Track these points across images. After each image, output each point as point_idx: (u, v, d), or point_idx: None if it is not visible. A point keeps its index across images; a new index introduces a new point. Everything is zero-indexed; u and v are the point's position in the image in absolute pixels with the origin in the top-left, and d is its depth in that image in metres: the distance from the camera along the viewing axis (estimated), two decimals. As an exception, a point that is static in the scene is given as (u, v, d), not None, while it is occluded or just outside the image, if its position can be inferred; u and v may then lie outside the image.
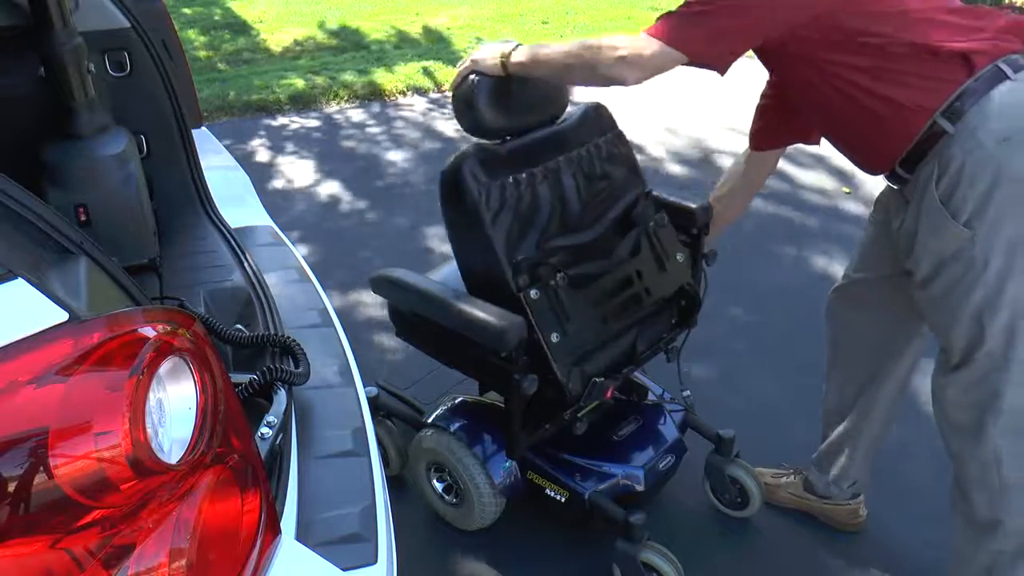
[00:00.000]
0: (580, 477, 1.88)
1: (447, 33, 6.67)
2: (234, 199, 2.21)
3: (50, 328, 0.83)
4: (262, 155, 4.45)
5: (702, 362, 2.48)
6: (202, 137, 2.35)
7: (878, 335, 1.84)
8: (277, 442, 1.22)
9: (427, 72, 5.61)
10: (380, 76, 5.54)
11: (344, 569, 1.12)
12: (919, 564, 1.96)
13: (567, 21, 6.95)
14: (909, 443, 2.23)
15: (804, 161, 4.06)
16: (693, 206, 1.95)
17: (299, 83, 5.41)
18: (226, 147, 2.67)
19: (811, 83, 1.53)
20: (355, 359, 1.58)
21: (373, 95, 5.31)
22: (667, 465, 1.99)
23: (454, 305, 1.70)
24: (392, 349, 2.72)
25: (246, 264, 1.81)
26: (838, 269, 1.93)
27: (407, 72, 5.61)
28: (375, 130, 4.79)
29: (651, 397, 2.14)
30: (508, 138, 1.81)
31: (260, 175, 3.97)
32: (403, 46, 6.36)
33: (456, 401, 2.06)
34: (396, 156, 4.41)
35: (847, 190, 3.84)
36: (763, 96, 1.81)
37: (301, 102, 5.17)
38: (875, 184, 1.70)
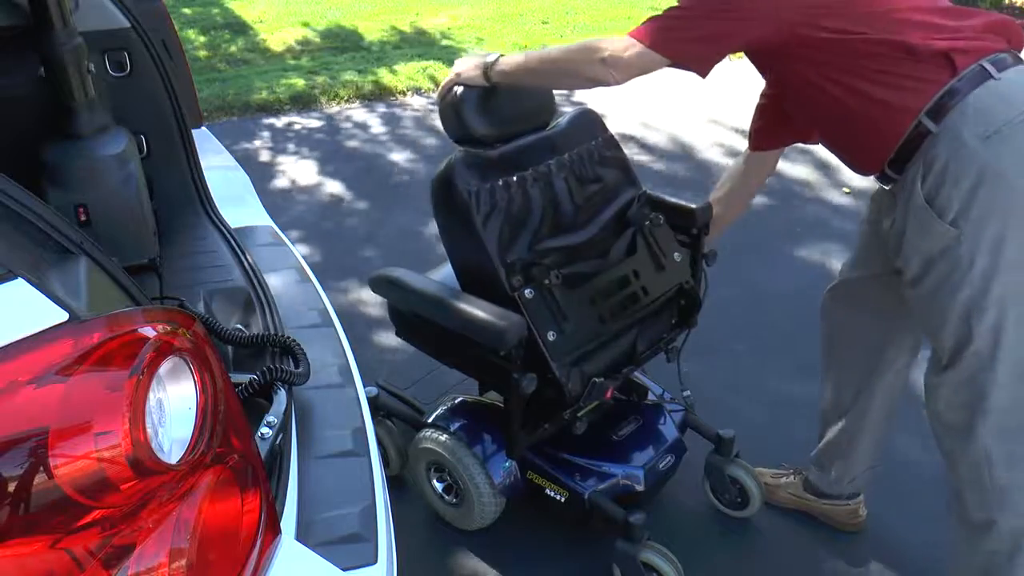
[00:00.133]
0: (580, 477, 1.89)
1: (447, 33, 6.67)
2: (234, 199, 2.21)
3: (50, 328, 0.84)
4: (262, 155, 4.45)
5: (702, 362, 2.48)
6: (202, 137, 2.35)
7: (872, 334, 1.84)
8: (277, 442, 1.22)
9: (427, 72, 5.62)
10: (381, 76, 5.54)
11: (344, 569, 1.12)
12: (919, 564, 1.96)
13: (567, 21, 6.94)
14: (909, 443, 2.23)
15: (804, 161, 4.05)
16: (693, 206, 1.95)
17: (299, 83, 5.41)
18: (226, 147, 2.67)
19: (800, 84, 1.53)
20: (355, 359, 1.58)
21: (374, 95, 5.31)
22: (667, 465, 1.99)
23: (454, 304, 1.70)
24: (392, 349, 2.71)
25: (246, 264, 1.81)
26: (838, 269, 1.93)
27: (407, 72, 5.61)
28: (376, 130, 4.80)
29: (651, 397, 2.14)
30: (497, 145, 1.81)
31: (260, 175, 3.96)
32: (403, 46, 6.36)
33: (456, 401, 2.07)
34: (396, 156, 4.41)
35: (847, 190, 3.84)
36: (762, 96, 1.81)
37: (301, 102, 5.16)
38: (875, 184, 1.70)
